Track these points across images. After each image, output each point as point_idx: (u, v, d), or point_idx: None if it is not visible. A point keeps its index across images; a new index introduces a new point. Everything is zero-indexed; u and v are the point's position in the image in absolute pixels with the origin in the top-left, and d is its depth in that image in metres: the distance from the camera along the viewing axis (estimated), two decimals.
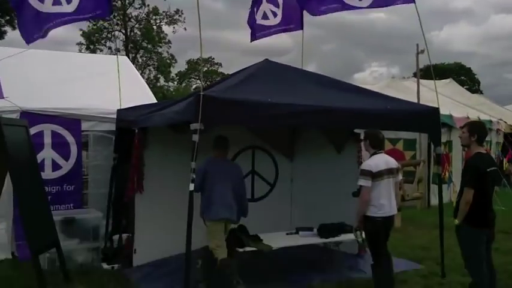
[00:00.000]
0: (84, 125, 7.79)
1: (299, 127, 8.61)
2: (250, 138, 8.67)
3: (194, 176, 5.21)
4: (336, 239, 6.84)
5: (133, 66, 10.59)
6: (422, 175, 12.49)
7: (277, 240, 6.64)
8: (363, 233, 5.88)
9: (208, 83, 53.59)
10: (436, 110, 6.67)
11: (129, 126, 7.18)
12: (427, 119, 6.60)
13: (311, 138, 8.77)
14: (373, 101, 6.46)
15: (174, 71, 47.47)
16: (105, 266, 6.96)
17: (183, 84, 50.22)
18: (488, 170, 5.16)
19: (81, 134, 7.76)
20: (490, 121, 15.62)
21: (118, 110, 7.55)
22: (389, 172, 5.80)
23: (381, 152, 5.90)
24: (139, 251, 7.01)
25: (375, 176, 5.67)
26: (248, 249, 6.21)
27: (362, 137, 7.24)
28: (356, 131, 7.97)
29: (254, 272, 6.41)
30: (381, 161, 5.80)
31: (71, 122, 7.63)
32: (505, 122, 17.36)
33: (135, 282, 6.25)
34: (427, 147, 12.91)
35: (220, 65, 53.63)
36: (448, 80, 21.04)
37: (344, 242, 7.11)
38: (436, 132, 6.74)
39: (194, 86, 48.87)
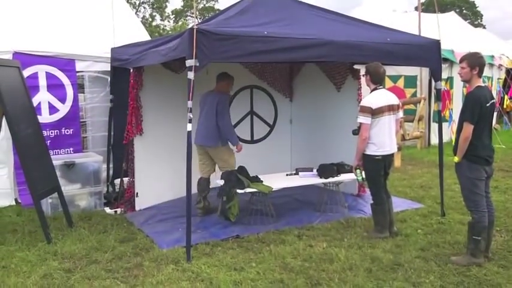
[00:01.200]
0: (79, 66, 7.60)
1: (298, 62, 8.46)
2: (248, 78, 8.54)
3: (191, 116, 5.10)
4: (336, 179, 6.82)
5: (127, 4, 10.24)
6: (422, 113, 12.39)
7: (277, 181, 6.63)
8: (363, 171, 5.87)
9: None
10: (438, 42, 6.47)
11: (124, 65, 7.01)
12: (428, 52, 6.40)
13: (310, 77, 8.62)
14: (373, 33, 6.27)
15: (169, 9, 46.33)
16: (108, 210, 6.98)
17: (180, 23, 49.13)
18: (487, 104, 4.88)
19: (76, 75, 7.59)
20: (492, 56, 15.34)
21: (112, 48, 7.34)
22: (390, 109, 5.70)
23: (382, 88, 5.78)
24: (142, 194, 7.04)
25: (375, 112, 5.58)
26: (248, 190, 6.20)
27: (362, 73, 7.10)
28: (356, 67, 7.82)
29: (254, 213, 6.45)
30: (381, 96, 5.69)
31: (65, 62, 7.44)
32: (508, 58, 17.06)
33: (137, 226, 6.28)
34: (428, 84, 12.75)
35: (217, 0, 52.28)
36: (450, 13, 20.51)
37: (344, 182, 7.11)
38: (437, 66, 6.56)
39: (191, 25, 47.77)
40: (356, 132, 6.08)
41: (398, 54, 6.18)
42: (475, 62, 4.92)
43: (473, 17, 48.16)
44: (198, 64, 4.95)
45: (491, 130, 5.15)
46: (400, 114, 5.97)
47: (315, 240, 5.73)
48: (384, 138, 5.67)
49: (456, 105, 13.15)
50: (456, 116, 12.78)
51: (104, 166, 7.64)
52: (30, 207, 6.44)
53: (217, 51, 5.09)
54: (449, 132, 13.48)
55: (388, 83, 12.50)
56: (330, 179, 6.79)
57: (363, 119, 5.59)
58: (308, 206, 7.21)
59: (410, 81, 12.86)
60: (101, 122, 7.93)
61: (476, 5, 50.58)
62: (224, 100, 6.70)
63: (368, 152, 5.69)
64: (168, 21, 47.62)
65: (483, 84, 5.03)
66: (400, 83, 12.90)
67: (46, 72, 7.28)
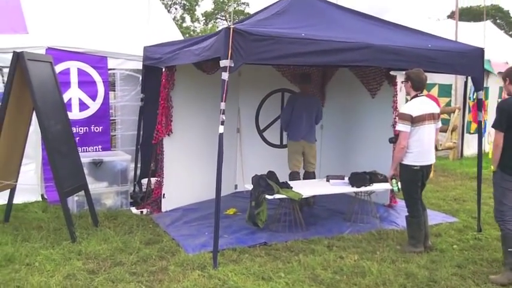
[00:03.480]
0: (111, 63, 7.54)
1: (332, 67, 8.27)
2: (279, 81, 8.38)
3: (224, 118, 4.95)
4: (368, 188, 6.58)
5: (161, 4, 10.18)
6: (456, 123, 12.03)
7: (307, 188, 6.43)
8: (399, 182, 5.63)
9: None
10: (481, 50, 6.21)
11: (156, 64, 6.92)
12: (471, 60, 6.14)
13: (343, 83, 8.41)
14: (413, 39, 6.04)
15: (199, 11, 46.53)
16: (134, 210, 6.87)
17: (210, 25, 49.31)
18: None
19: (108, 73, 7.53)
20: None
21: (145, 47, 7.26)
22: (431, 117, 5.46)
23: (423, 95, 5.55)
24: (168, 195, 6.92)
25: (415, 120, 5.35)
26: (278, 196, 6.02)
27: (400, 79, 6.86)
28: (392, 73, 7.58)
29: (282, 220, 6.26)
30: (422, 104, 5.45)
31: (97, 59, 7.39)
32: None
33: (163, 228, 6.16)
34: (463, 94, 12.40)
35: (248, 4, 52.33)
36: (485, 22, 19.98)
37: (376, 192, 6.87)
38: (479, 75, 6.30)
39: (221, 27, 47.88)
40: (393, 140, 5.87)
41: (439, 61, 5.93)
42: (508, 75, 4.95)
43: (508, 27, 47.07)
44: (232, 65, 4.80)
45: None
46: (440, 123, 5.72)
47: (346, 252, 5.51)
48: (423, 148, 5.43)
49: (491, 117, 12.72)
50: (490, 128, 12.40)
51: (132, 165, 7.55)
52: (57, 204, 6.39)
53: (253, 52, 4.93)
54: (483, 143, 13.07)
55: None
56: (362, 188, 6.54)
57: (402, 127, 5.36)
58: (337, 215, 6.99)
59: (445, 90, 12.51)
60: (130, 120, 7.85)
61: (511, 15, 49.45)
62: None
63: (406, 162, 5.45)
64: (198, 23, 47.80)
65: None
66: (434, 91, 12.55)
67: (78, 68, 7.25)
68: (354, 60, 5.52)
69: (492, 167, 4.94)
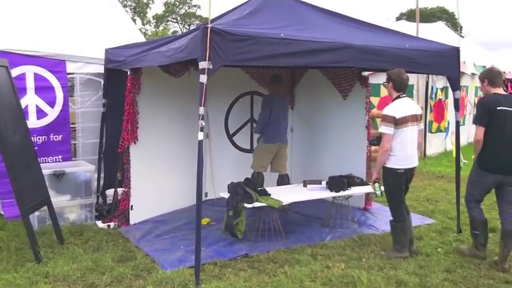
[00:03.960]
0: (70, 67, 7.01)
1: (301, 69, 8.07)
2: (249, 83, 8.10)
3: (204, 124, 4.63)
4: (346, 192, 6.39)
5: (119, 4, 9.67)
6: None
7: (284, 194, 6.15)
8: (382, 186, 5.45)
9: (187, 26, 51.92)
10: (457, 49, 6.14)
11: (120, 67, 6.50)
12: (448, 60, 6.06)
13: (313, 84, 8.22)
14: (390, 38, 5.90)
15: (150, 13, 45.77)
16: (100, 224, 6.39)
17: (161, 28, 48.55)
18: (498, 108, 5.03)
19: (67, 77, 7.02)
20: (484, 66, 15.19)
21: (107, 49, 6.81)
22: (414, 119, 5.32)
23: (405, 96, 5.40)
24: (137, 207, 6.50)
25: (399, 122, 5.19)
26: (257, 204, 5.73)
27: (373, 80, 6.73)
28: (364, 73, 7.44)
29: (261, 228, 5.96)
30: (405, 106, 5.31)
31: (55, 63, 6.85)
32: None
33: (134, 242, 5.75)
34: (425, 93, 12.49)
35: (199, 7, 51.89)
36: (437, 23, 20.40)
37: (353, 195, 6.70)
38: (456, 75, 6.20)
39: (172, 30, 47.23)
40: (374, 142, 5.70)
41: (418, 61, 5.81)
42: (482, 76, 5.41)
43: (453, 28, 48.56)
44: (211, 67, 4.47)
45: (508, 137, 5.09)
46: (422, 125, 5.58)
47: (332, 261, 5.28)
48: (406, 151, 5.28)
49: (451, 116, 12.92)
50: (453, 127, 12.56)
51: (96, 176, 7.07)
52: (15, 219, 5.88)
53: (232, 53, 4.63)
54: (446, 143, 13.27)
55: (383, 92, 12.16)
56: (341, 193, 6.34)
57: (386, 129, 5.19)
58: (315, 221, 6.78)
59: (407, 90, 12.52)
60: (91, 128, 7.36)
61: (456, 17, 51.06)
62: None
63: (389, 165, 5.28)
64: (150, 26, 46.99)
65: (501, 92, 5.27)
66: None
67: (34, 73, 6.70)
68: (334, 61, 5.31)
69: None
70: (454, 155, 11.43)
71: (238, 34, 4.63)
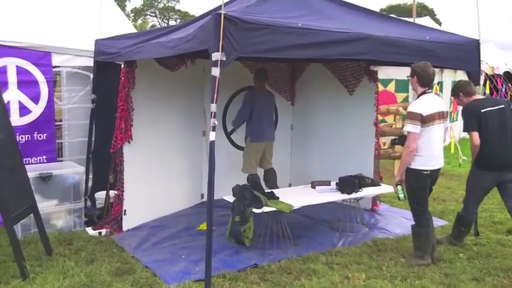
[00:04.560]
0: (56, 60, 6.42)
1: (303, 62, 7.62)
2: (247, 78, 7.57)
3: (216, 122, 4.15)
4: (359, 194, 5.95)
5: None
6: None
7: (293, 197, 5.67)
8: (404, 189, 5.03)
9: (166, 20, 51.07)
10: (477, 42, 5.75)
11: (113, 60, 5.94)
12: (468, 53, 5.69)
13: (316, 79, 7.77)
14: (409, 30, 5.49)
15: (129, 6, 44.92)
16: (90, 231, 5.83)
17: (139, 22, 47.66)
18: (482, 110, 5.14)
19: (52, 71, 6.42)
20: None
21: (97, 40, 6.24)
22: (441, 116, 4.93)
23: (431, 92, 4.98)
24: (130, 211, 5.97)
25: (425, 120, 4.78)
26: (267, 209, 5.25)
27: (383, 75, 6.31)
28: (372, 68, 7.00)
29: (267, 235, 5.49)
30: (432, 102, 4.90)
31: (40, 55, 6.25)
32: (487, 64, 16.77)
33: (130, 252, 5.22)
34: None
35: (178, 1, 51.11)
36: (425, 18, 20.18)
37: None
38: (476, 69, 5.83)
39: (151, 24, 46.40)
40: (397, 141, 5.28)
41: (439, 55, 5.41)
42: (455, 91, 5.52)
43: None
44: (224, 59, 3.97)
45: (501, 136, 5.17)
46: (448, 122, 5.18)
47: (350, 270, 4.84)
48: (433, 151, 4.88)
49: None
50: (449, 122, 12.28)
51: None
52: None
53: (247, 43, 4.16)
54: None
55: (380, 87, 11.79)
56: (353, 195, 5.90)
57: (412, 128, 4.76)
58: (322, 224, 6.36)
59: (402, 85, 12.19)
60: (79, 125, 6.77)
61: (435, 13, 51.35)
62: None
63: (414, 166, 4.86)
64: (128, 19, 46.05)
65: (479, 97, 5.44)
66: (391, 87, 12.23)
67: (17, 66, 6.08)
68: (353, 53, 4.86)
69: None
70: (452, 151, 11.39)
71: (255, 22, 4.16)
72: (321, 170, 7.41)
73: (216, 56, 3.94)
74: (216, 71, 4.00)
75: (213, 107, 4.12)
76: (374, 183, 6.25)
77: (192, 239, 5.73)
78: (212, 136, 4.16)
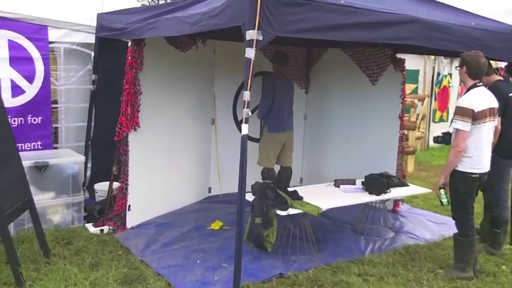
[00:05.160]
0: (52, 34, 5.74)
1: (320, 47, 7.04)
2: (260, 61, 6.90)
3: (250, 113, 3.58)
4: (388, 195, 5.42)
5: None
6: (425, 112, 11.24)
7: (319, 197, 5.07)
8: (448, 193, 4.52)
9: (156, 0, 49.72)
10: None
11: (118, 37, 5.30)
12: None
13: (333, 66, 7.18)
14: (453, 15, 4.91)
15: None
16: (91, 228, 5.23)
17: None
18: (510, 94, 4.92)
19: (49, 47, 5.75)
20: None
21: (99, 14, 5.59)
22: (492, 113, 4.39)
23: (481, 85, 4.43)
24: (135, 207, 5.38)
25: (477, 117, 4.25)
26: (293, 212, 4.69)
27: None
28: (399, 55, 6.44)
29: (289, 238, 4.95)
30: (483, 97, 4.36)
31: (35, 29, 5.57)
32: None
33: (137, 254, 4.64)
34: (431, 80, 11.64)
35: None
36: None
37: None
38: None
39: (141, 3, 45.11)
40: (440, 140, 4.73)
41: (485, 43, 4.81)
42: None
43: None
44: (261, 38, 3.38)
45: None
46: (497, 120, 4.64)
47: (387, 284, 4.32)
48: (482, 152, 4.34)
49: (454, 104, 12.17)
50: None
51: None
52: None
53: (286, 21, 3.54)
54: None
55: None
56: (382, 196, 5.37)
57: (462, 125, 4.22)
58: (344, 226, 5.83)
59: (411, 75, 11.63)
60: (77, 108, 6.13)
61: None
62: None
63: (461, 169, 4.33)
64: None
65: (502, 78, 5.16)
66: None
67: (9, 40, 5.40)
68: (398, 37, 4.26)
69: None
70: None
71: None
72: (336, 164, 6.92)
73: (251, 34, 3.35)
74: (250, 53, 3.42)
75: (247, 95, 3.55)
76: (402, 183, 5.73)
77: (204, 240, 5.17)
78: (245, 129, 3.60)
